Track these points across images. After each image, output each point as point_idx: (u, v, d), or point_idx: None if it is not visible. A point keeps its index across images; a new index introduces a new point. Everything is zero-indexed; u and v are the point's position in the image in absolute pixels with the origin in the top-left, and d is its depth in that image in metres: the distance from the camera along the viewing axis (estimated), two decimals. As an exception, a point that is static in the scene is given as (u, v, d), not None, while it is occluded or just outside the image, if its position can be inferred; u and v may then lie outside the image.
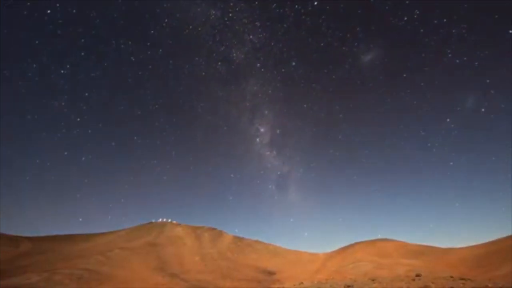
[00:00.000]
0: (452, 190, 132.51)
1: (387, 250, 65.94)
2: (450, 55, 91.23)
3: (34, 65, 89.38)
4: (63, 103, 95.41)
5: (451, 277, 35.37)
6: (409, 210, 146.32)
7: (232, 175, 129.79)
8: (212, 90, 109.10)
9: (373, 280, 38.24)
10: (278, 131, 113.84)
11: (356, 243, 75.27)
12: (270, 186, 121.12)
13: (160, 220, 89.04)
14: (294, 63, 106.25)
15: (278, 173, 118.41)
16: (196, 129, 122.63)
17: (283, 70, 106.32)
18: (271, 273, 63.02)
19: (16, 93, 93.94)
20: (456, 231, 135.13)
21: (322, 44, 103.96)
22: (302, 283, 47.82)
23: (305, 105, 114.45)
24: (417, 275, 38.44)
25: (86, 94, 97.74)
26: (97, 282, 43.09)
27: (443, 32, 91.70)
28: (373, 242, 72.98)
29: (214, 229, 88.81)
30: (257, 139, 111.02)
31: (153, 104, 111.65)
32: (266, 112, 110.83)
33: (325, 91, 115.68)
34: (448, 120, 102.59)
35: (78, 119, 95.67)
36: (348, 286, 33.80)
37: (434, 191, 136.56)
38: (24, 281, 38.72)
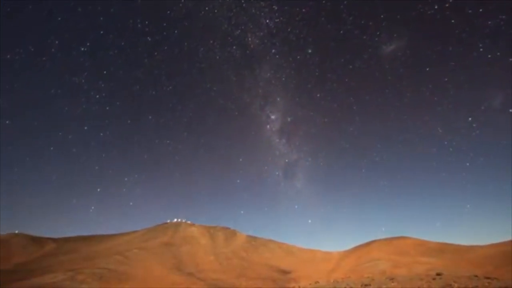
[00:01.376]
0: (465, 192, 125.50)
1: (404, 248, 64.07)
2: (482, 49, 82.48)
3: (57, 42, 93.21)
4: (83, 80, 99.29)
5: (475, 276, 33.94)
6: (417, 208, 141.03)
7: (241, 159, 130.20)
8: (225, 74, 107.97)
9: (391, 279, 37.32)
10: (289, 119, 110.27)
11: (372, 241, 73.60)
12: (277, 173, 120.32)
13: (175, 220, 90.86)
14: (310, 51, 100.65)
15: (286, 160, 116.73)
16: (208, 112, 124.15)
17: (298, 57, 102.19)
18: (286, 272, 62.85)
19: (40, 68, 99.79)
20: (465, 232, 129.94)
21: (341, 32, 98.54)
22: (317, 282, 47.38)
23: (318, 95, 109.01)
24: (438, 274, 37.15)
25: (105, 72, 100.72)
26: (117, 281, 44.63)
27: (477, 24, 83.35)
28: (389, 240, 71.11)
29: (227, 228, 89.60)
30: (268, 126, 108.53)
31: (167, 85, 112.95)
32: (278, 99, 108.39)
33: (340, 81, 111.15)
34: (470, 119, 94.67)
35: (97, 96, 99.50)
36: (366, 285, 33.20)
37: (446, 191, 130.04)
38: (51, 280, 40.72)
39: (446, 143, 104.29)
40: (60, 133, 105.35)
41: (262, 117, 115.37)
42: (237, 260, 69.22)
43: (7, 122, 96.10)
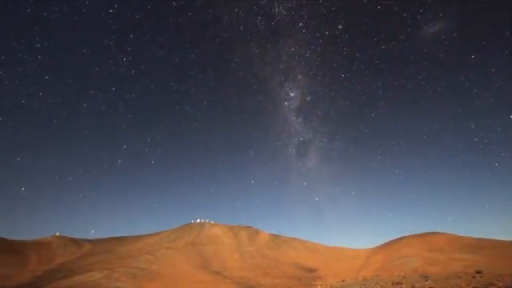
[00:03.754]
0: (488, 192, 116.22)
1: (438, 245, 60.41)
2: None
3: (87, 2, 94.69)
4: (111, 42, 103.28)
5: (522, 273, 31.10)
6: (429, 201, 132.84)
7: (256, 133, 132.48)
8: (248, 46, 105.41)
9: (425, 277, 35.45)
10: (308, 98, 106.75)
11: (402, 237, 70.32)
12: (290, 149, 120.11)
13: (198, 220, 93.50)
14: (340, 27, 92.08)
15: (301, 139, 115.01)
16: (228, 83, 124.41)
17: (326, 33, 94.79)
18: (311, 270, 62.07)
19: (73, 27, 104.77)
20: (473, 233, 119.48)
21: (379, 7, 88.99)
22: (345, 280, 46.35)
23: (343, 75, 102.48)
24: (478, 272, 34.56)
25: (131, 35, 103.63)
26: (148, 279, 46.84)
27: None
28: (421, 235, 67.48)
29: (250, 227, 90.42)
30: (286, 103, 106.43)
31: (190, 53, 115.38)
32: (299, 76, 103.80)
33: (369, 62, 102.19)
34: (511, 116, 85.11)
35: (124, 59, 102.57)
36: (397, 283, 31.83)
37: (466, 188, 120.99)
38: (89, 278, 43.73)
39: (476, 139, 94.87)
40: (91, 92, 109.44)
41: (281, 93, 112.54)
42: (261, 258, 69.59)
43: (46, 77, 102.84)
